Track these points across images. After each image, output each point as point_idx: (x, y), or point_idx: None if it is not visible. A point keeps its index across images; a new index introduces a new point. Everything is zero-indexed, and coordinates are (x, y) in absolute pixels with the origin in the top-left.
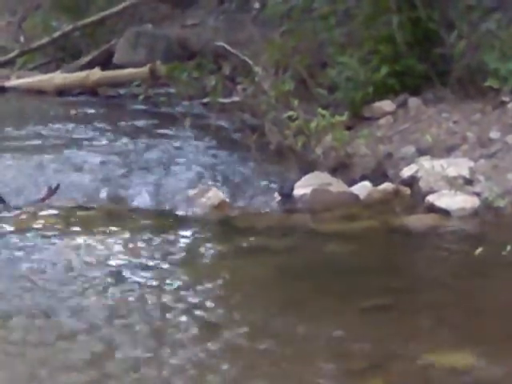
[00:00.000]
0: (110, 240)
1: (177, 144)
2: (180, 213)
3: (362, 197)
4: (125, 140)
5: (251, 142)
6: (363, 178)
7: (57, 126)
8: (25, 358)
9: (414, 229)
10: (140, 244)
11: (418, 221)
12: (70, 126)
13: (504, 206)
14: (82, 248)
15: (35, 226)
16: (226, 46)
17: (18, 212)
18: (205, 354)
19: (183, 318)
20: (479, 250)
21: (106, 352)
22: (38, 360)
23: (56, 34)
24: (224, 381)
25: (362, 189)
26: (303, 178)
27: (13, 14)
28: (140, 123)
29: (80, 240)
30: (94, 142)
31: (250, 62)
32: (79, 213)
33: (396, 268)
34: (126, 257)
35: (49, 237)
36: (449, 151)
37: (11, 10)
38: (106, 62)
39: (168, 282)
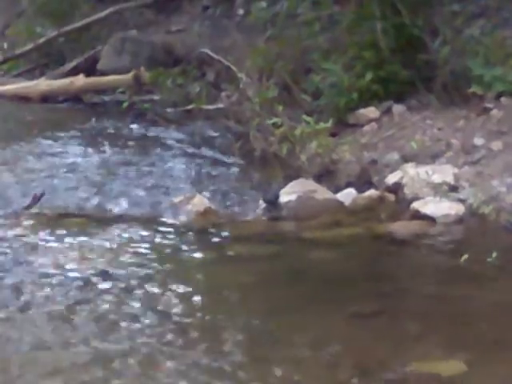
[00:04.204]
0: (94, 247)
1: (161, 151)
2: (165, 220)
3: (346, 204)
4: (109, 147)
5: (236, 148)
6: (348, 184)
7: (41, 132)
8: None
9: (400, 235)
10: (124, 251)
11: (403, 227)
12: (54, 133)
13: (489, 213)
14: (66, 255)
15: (19, 233)
16: (210, 52)
17: (2, 220)
18: (187, 361)
19: (165, 325)
20: (465, 256)
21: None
22: None
23: (40, 41)
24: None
25: (347, 196)
26: (288, 185)
27: None
28: (124, 130)
29: (64, 247)
30: (78, 149)
31: (235, 68)
32: (63, 220)
33: (382, 275)
34: (109, 264)
35: (33, 244)
36: (433, 158)
37: None
38: (90, 69)
39: (151, 288)
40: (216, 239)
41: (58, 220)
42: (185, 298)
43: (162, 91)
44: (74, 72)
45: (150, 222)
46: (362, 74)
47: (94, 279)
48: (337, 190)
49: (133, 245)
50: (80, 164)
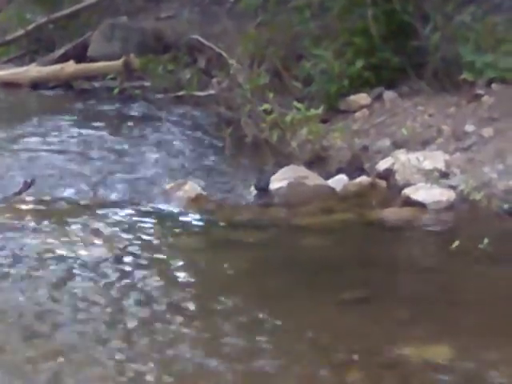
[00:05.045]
0: (85, 233)
1: (153, 138)
2: (156, 206)
3: (338, 190)
4: (100, 134)
5: (227, 135)
6: (339, 171)
7: (31, 119)
8: None
9: (391, 222)
10: (116, 237)
11: (394, 214)
12: (45, 118)
13: (480, 199)
14: (57, 241)
15: (10, 219)
16: (200, 38)
17: None
18: (179, 346)
19: (153, 310)
20: (456, 243)
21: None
22: None
23: (30, 27)
24: (199, 371)
25: (338, 182)
26: (279, 172)
27: None
28: (115, 117)
29: (55, 233)
30: (69, 135)
31: (225, 54)
32: (54, 206)
33: (373, 261)
34: (101, 250)
35: (23, 230)
36: (424, 144)
37: None
38: (80, 55)
39: (143, 274)
40: (207, 226)
41: (48, 206)
42: (174, 283)
43: (152, 78)
44: (64, 58)
45: (141, 208)
46: (352, 61)
47: (82, 264)
48: (328, 176)
49: (123, 231)
50: (70, 150)
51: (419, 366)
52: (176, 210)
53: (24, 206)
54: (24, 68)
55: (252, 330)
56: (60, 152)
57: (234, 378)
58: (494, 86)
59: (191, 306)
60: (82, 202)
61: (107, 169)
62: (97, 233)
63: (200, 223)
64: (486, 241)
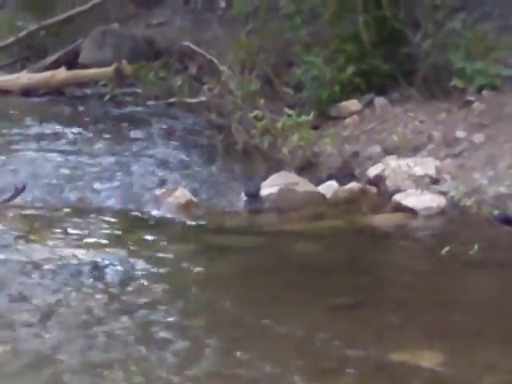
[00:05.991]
0: (75, 240)
1: (143, 144)
2: (147, 212)
3: (328, 196)
4: (90, 140)
5: (218, 141)
6: (330, 177)
7: (22, 125)
8: None
9: (381, 228)
10: (106, 243)
11: (384, 220)
12: (35, 125)
13: (470, 205)
14: (48, 248)
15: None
16: (192, 45)
17: None
18: (171, 353)
19: (148, 318)
20: (446, 248)
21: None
22: None
23: (21, 34)
24: (190, 380)
25: (329, 188)
26: (270, 178)
27: None
28: (106, 123)
29: (46, 240)
30: (60, 143)
31: (216, 61)
32: (45, 213)
33: (363, 267)
34: (91, 256)
35: (14, 237)
36: (415, 150)
37: None
38: (72, 62)
39: (134, 280)
40: (197, 231)
41: (39, 213)
42: (164, 289)
43: (144, 84)
44: (55, 65)
45: (132, 214)
46: (343, 67)
47: (71, 270)
48: (318, 182)
49: (114, 237)
50: (60, 156)
51: (411, 371)
52: (166, 216)
53: (14, 213)
54: (15, 75)
55: (241, 335)
56: (50, 158)
57: None
58: (484, 92)
59: (180, 312)
60: (72, 208)
61: (97, 174)
62: (85, 238)
63: (190, 229)
64: (476, 247)
